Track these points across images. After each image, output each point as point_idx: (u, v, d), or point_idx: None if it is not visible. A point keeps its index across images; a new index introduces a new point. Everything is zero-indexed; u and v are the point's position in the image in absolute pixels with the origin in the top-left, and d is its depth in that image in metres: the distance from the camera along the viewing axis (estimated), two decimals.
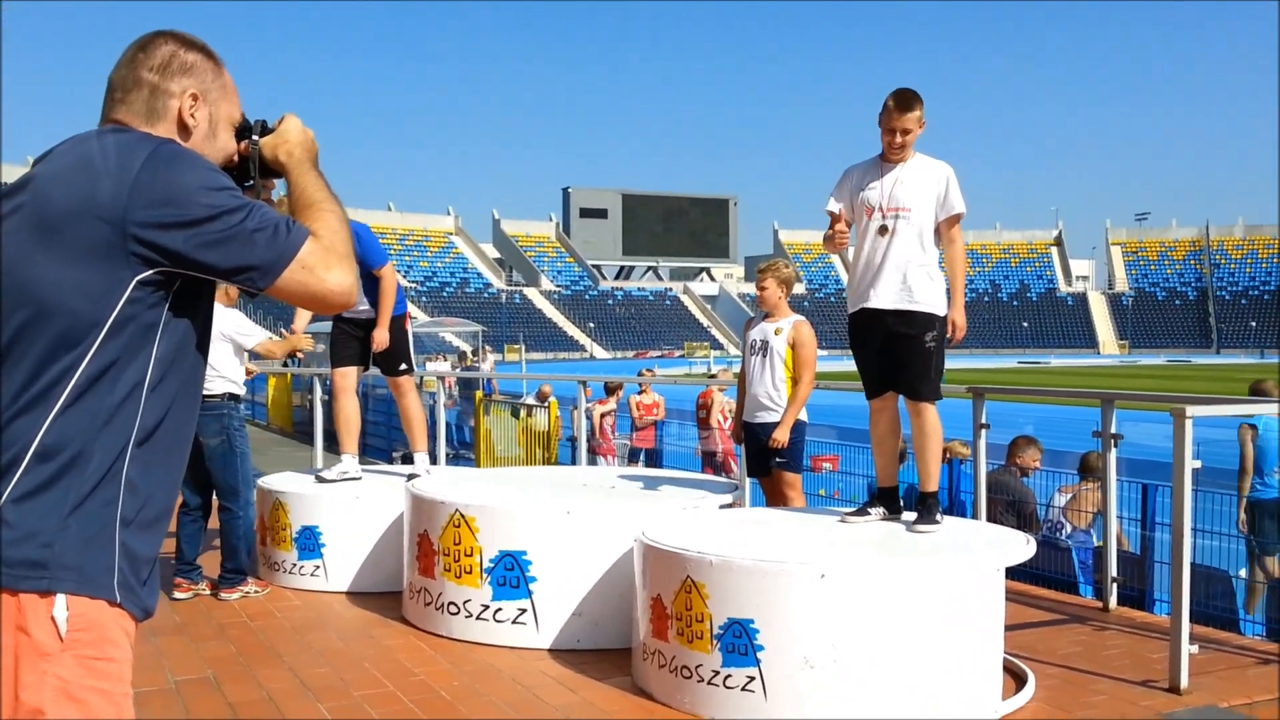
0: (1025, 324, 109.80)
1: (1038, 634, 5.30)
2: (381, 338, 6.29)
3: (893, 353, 4.86)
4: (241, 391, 6.28)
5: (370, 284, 6.22)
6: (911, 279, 4.76)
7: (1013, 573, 6.26)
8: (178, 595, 6.04)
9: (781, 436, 6.13)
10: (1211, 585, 5.68)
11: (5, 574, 1.63)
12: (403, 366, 6.55)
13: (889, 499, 5.06)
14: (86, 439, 1.67)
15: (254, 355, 6.70)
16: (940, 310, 4.80)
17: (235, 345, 6.16)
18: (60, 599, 1.64)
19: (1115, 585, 5.72)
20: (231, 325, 6.10)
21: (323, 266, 1.80)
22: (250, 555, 6.23)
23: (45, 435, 1.65)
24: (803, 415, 6.31)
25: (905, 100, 4.75)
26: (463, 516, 5.23)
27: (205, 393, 5.43)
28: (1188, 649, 4.36)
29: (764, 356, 6.33)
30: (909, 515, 4.99)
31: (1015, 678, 4.56)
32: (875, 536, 4.69)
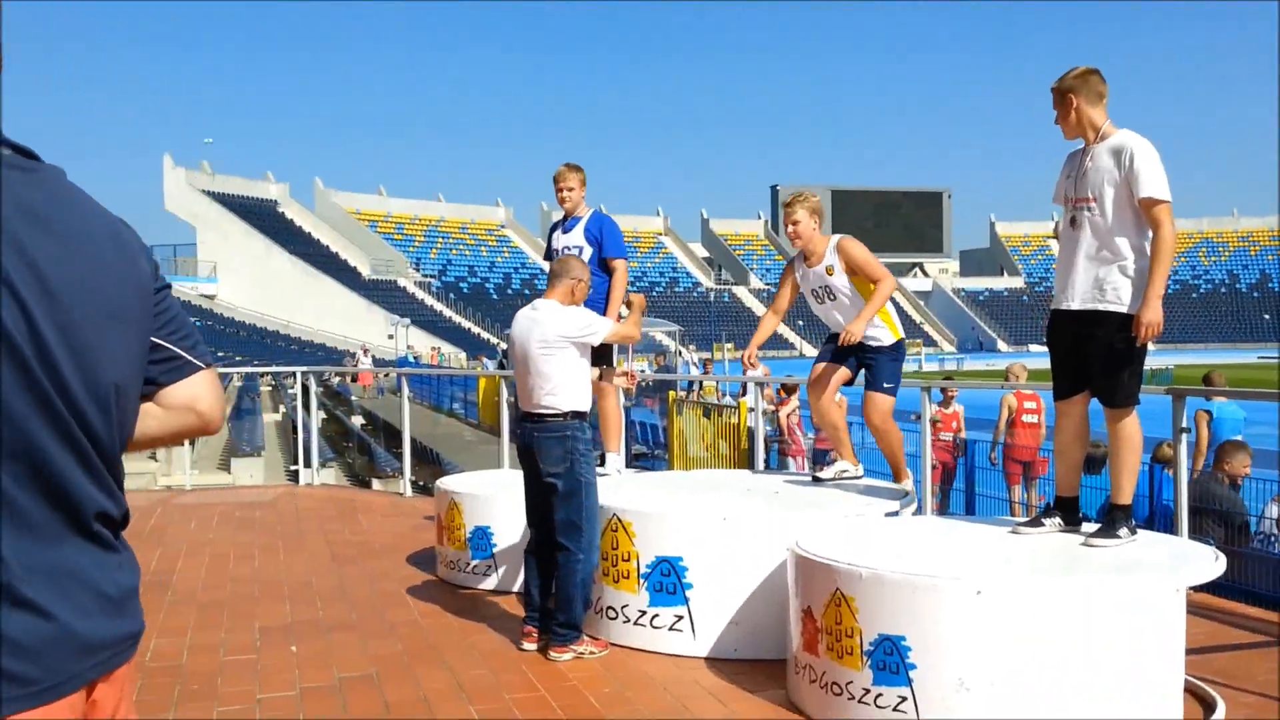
0: (1267, 316, 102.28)
1: (1237, 657, 4.87)
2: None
3: (1083, 355, 4.55)
4: (587, 408, 5.24)
5: (605, 279, 6.42)
6: (1101, 276, 4.43)
7: (1217, 589, 5.80)
8: (525, 646, 5.21)
9: (856, 330, 5.55)
10: None
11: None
12: (607, 368, 6.57)
13: (1068, 509, 4.74)
14: None
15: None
16: (1134, 309, 4.41)
17: (580, 348, 5.20)
18: None
19: None
20: (575, 325, 5.18)
21: None
22: (589, 606, 5.18)
23: None
24: (901, 334, 5.88)
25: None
26: (620, 521, 5.20)
27: (546, 409, 5.14)
28: None
29: (833, 299, 5.79)
30: (1091, 528, 4.65)
31: (1205, 705, 4.19)
32: (1046, 551, 4.39)
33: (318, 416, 12.87)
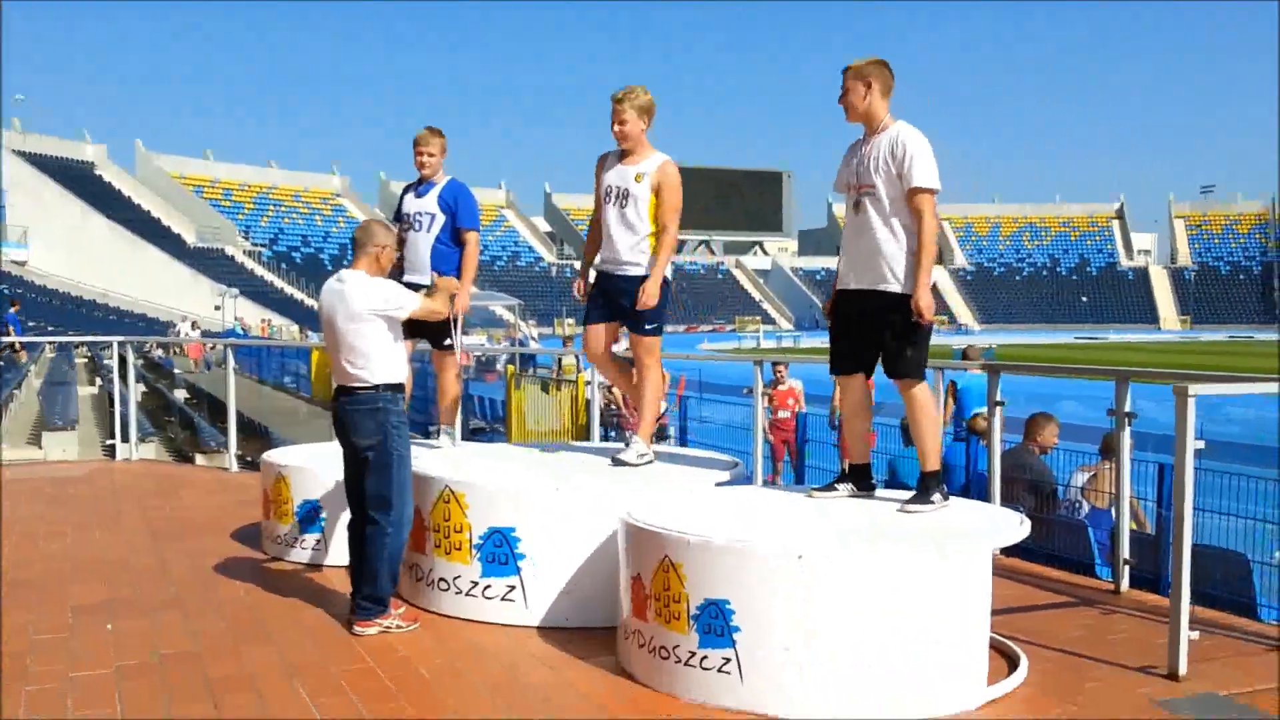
0: (1085, 299, 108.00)
1: (1043, 617, 5.15)
2: (465, 303, 6.29)
3: (865, 332, 4.76)
4: (402, 379, 5.23)
5: (455, 251, 6.30)
6: (881, 258, 4.63)
7: (1028, 554, 6.13)
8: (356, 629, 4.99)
9: (652, 289, 5.48)
10: (1227, 568, 5.47)
11: None
12: (447, 342, 6.46)
13: (860, 476, 5.02)
14: None
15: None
16: (910, 288, 4.67)
17: (388, 320, 5.11)
18: None
19: (1127, 568, 5.53)
20: (380, 298, 5.08)
21: None
22: (395, 581, 5.11)
23: None
24: (668, 273, 5.61)
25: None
26: (452, 493, 5.16)
27: (357, 384, 5.05)
28: (1186, 634, 4.19)
29: (623, 206, 5.52)
30: (905, 494, 4.86)
31: (1009, 661, 4.43)
32: (865, 517, 4.56)
33: (137, 389, 12.35)
